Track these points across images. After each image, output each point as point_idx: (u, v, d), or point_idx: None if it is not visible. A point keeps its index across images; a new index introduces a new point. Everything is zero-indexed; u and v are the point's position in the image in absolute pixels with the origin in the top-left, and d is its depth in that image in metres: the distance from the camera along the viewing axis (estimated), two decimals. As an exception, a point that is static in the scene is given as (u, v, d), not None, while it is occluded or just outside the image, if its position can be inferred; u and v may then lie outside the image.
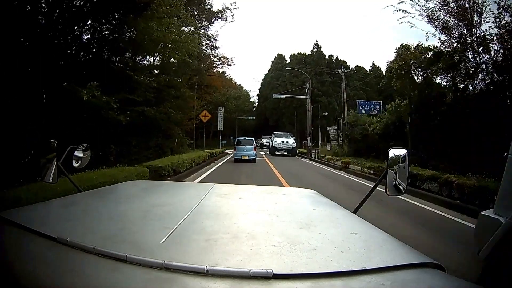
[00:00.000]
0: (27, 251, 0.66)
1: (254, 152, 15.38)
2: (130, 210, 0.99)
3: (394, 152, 1.24)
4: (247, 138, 16.99)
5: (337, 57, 44.02)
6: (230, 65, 21.62)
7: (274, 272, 0.54)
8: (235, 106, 42.30)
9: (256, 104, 53.07)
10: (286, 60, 45.76)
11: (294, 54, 44.89)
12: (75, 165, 1.55)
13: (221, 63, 21.32)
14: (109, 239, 0.68)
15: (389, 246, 0.76)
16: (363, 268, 0.58)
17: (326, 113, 36.54)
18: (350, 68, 43.41)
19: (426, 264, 0.65)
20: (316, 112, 37.92)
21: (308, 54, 43.57)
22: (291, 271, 0.56)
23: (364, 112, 20.55)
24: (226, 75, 44.21)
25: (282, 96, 29.23)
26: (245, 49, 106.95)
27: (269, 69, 48.49)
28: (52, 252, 0.64)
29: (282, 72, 43.05)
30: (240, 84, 50.80)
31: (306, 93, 25.89)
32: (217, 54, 21.02)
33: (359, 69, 46.22)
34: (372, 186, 1.26)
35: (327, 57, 43.45)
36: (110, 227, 0.79)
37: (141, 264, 0.56)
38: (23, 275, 0.56)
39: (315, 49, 43.48)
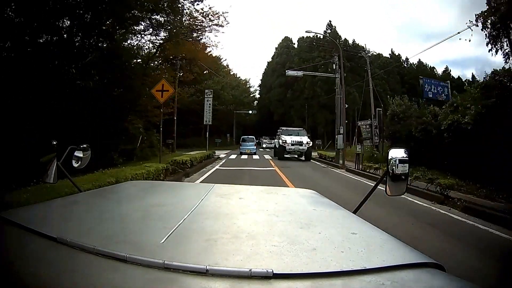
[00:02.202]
0: (28, 251, 0.65)
1: (255, 147, 21.20)
2: (130, 210, 0.98)
3: (394, 152, 1.24)
4: (249, 136, 22.23)
5: (353, 41, 37.05)
6: (222, 26, 14.59)
7: (274, 272, 0.53)
8: (233, 97, 35.21)
9: (258, 96, 46.08)
10: (293, 43, 38.63)
11: (303, 37, 37.85)
12: (75, 165, 1.53)
13: (208, 24, 14.34)
14: (109, 239, 0.68)
15: (389, 246, 0.75)
16: (363, 268, 0.58)
17: (346, 105, 29.52)
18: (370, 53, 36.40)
19: (426, 264, 0.65)
20: (332, 104, 31.03)
21: (320, 37, 36.55)
22: (291, 271, 0.56)
23: (431, 96, 13.79)
24: (221, 59, 37.10)
25: (300, 73, 21.92)
26: (244, 39, 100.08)
27: (273, 56, 41.73)
28: (52, 252, 0.64)
29: (289, 57, 36.13)
30: (239, 77, 43.19)
31: (334, 69, 18.77)
32: (201, 9, 14.03)
33: (377, 56, 39.06)
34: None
35: (342, 40, 36.36)
36: (110, 227, 0.78)
37: (141, 264, 0.56)
38: (23, 275, 0.56)
39: (329, 31, 36.46)
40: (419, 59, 37.55)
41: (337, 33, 36.10)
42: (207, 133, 17.66)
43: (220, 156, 17.91)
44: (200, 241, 0.69)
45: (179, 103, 28.44)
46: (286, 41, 39.73)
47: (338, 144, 15.89)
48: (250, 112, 38.49)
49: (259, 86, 45.32)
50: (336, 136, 16.18)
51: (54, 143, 1.32)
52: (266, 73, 43.62)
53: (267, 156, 18.96)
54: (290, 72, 21.20)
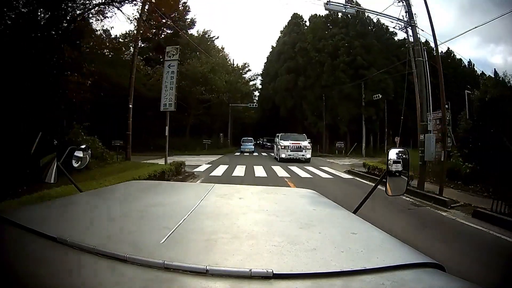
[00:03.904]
0: (27, 251, 0.65)
1: (253, 146, 24.69)
2: (130, 210, 0.98)
3: (394, 152, 1.24)
4: (248, 138, 25.47)
5: (378, 20, 29.11)
6: None
7: (274, 272, 0.53)
8: (227, 84, 25.87)
9: (260, 86, 37.25)
10: (304, 21, 30.82)
11: (315, 14, 30.02)
12: (75, 165, 1.54)
13: None
14: (109, 239, 0.68)
15: (389, 246, 0.75)
16: (363, 268, 0.58)
17: (379, 96, 21.86)
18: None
19: (426, 264, 0.65)
20: (359, 93, 23.30)
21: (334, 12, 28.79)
22: (291, 271, 0.56)
23: None
24: (212, 37, 29.11)
25: (351, 9, 13.61)
26: (242, 27, 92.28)
27: (278, 39, 33.42)
28: (52, 252, 0.64)
29: (300, 35, 28.22)
30: (237, 64, 34.93)
31: (408, 13, 10.66)
32: None
33: (402, 42, 31.14)
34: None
35: (366, 16, 28.58)
36: (110, 227, 0.78)
37: (141, 264, 0.56)
38: (23, 275, 0.56)
39: (349, 5, 28.70)
40: (448, 48, 29.55)
41: (359, 5, 28.32)
42: (167, 128, 9.74)
43: (196, 171, 10.16)
44: (200, 241, 0.69)
45: (153, 90, 20.36)
46: (296, 18, 31.56)
47: (427, 153, 8.14)
48: (250, 105, 30.48)
49: (261, 74, 36.85)
50: (420, 136, 8.40)
51: (55, 143, 1.39)
52: (270, 59, 35.22)
53: (280, 172, 10.90)
54: (331, 6, 12.09)
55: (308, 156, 15.24)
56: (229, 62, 30.75)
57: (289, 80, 26.96)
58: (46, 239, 0.66)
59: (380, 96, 21.83)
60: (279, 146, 15.76)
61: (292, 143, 15.27)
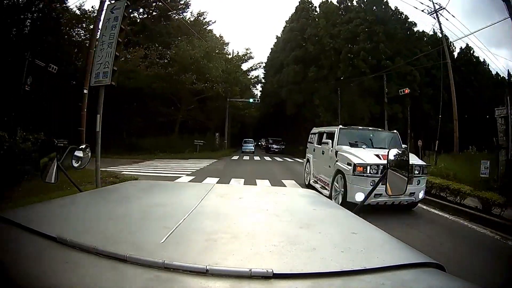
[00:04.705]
0: (27, 251, 0.65)
1: (254, 147, 25.01)
2: (130, 210, 0.97)
3: (394, 152, 1.22)
4: (249, 139, 26.19)
5: (396, 8, 24.77)
6: None
7: (274, 272, 0.53)
8: (224, 73, 20.84)
9: (263, 79, 31.33)
10: (314, 6, 26.81)
11: (327, 1, 26.18)
12: (75, 165, 1.53)
13: None
14: (109, 239, 0.67)
15: (389, 246, 0.75)
16: (363, 268, 0.57)
17: (407, 90, 18.14)
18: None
19: (426, 264, 0.64)
20: (380, 87, 19.70)
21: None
22: (291, 271, 0.56)
23: None
24: (207, 21, 24.89)
25: None
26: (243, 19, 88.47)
27: (283, 28, 29.55)
28: (52, 252, 0.63)
29: (309, 21, 24.32)
30: (237, 53, 27.29)
31: None
32: None
33: (421, 35, 27.15)
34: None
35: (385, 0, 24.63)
36: (110, 227, 0.78)
37: (141, 264, 0.55)
38: (23, 275, 0.55)
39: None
40: (467, 44, 25.81)
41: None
42: (99, 117, 5.74)
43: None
44: (200, 241, 0.68)
45: (133, 78, 16.64)
46: (304, 3, 27.86)
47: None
48: (252, 100, 26.52)
49: (264, 67, 30.94)
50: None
51: (55, 142, 1.35)
52: (274, 49, 30.90)
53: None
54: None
55: (421, 195, 5.16)
56: (227, 51, 26.51)
57: (298, 72, 22.83)
58: (46, 239, 0.66)
59: (408, 90, 18.14)
60: (339, 164, 5.30)
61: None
